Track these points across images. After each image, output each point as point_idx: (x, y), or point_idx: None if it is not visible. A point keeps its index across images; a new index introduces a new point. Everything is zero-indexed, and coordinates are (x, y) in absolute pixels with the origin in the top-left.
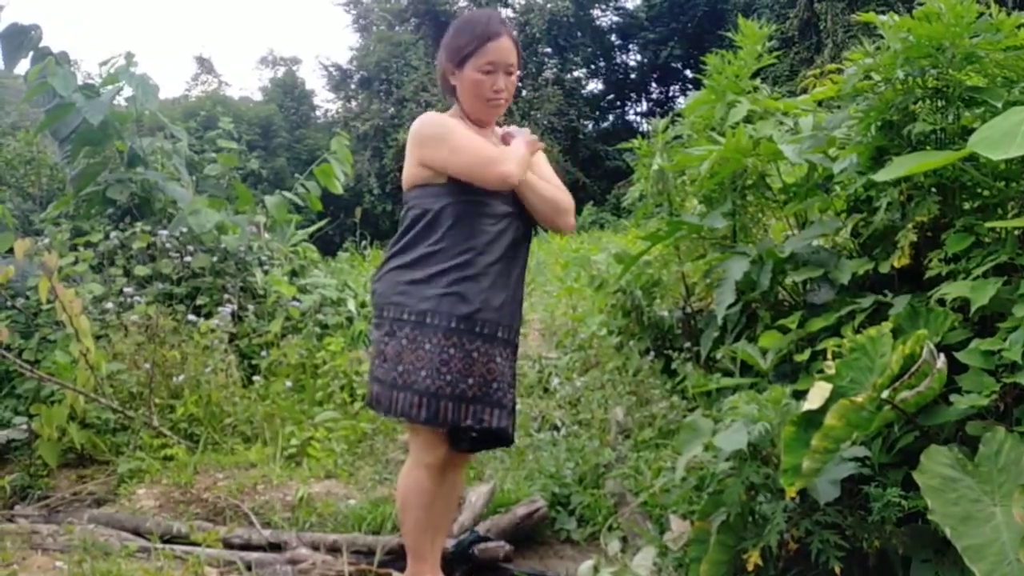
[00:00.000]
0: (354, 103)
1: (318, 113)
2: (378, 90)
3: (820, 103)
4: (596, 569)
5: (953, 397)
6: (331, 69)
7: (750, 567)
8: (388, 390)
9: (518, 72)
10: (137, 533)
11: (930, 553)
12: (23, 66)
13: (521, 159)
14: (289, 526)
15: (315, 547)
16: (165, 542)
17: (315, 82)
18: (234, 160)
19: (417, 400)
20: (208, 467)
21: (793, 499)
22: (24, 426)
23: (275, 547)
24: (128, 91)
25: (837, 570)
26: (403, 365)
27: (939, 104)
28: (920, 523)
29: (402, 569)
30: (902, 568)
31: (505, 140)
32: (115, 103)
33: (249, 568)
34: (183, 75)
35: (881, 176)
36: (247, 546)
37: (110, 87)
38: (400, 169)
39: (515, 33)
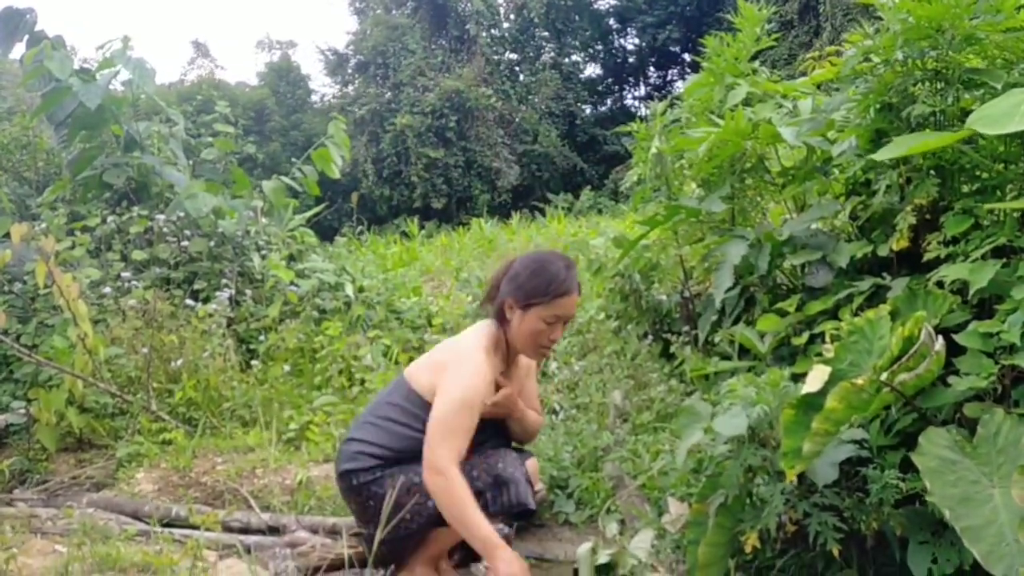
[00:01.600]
0: (351, 87)
1: (315, 98)
2: (375, 74)
3: (819, 86)
4: (594, 551)
5: (952, 379)
6: (328, 53)
7: (748, 549)
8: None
9: None
10: (136, 517)
11: (927, 535)
12: (19, 50)
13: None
14: (288, 509)
15: (314, 530)
16: (164, 526)
17: (312, 66)
18: (231, 144)
19: None
20: (207, 451)
21: (791, 481)
22: (23, 410)
23: (274, 530)
24: (125, 75)
25: (835, 552)
26: None
27: (939, 86)
28: (918, 505)
29: None
30: (900, 549)
31: (499, 385)
32: (112, 87)
33: (248, 551)
34: (179, 60)
35: (880, 155)
36: (246, 529)
37: (107, 71)
38: (397, 155)
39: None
